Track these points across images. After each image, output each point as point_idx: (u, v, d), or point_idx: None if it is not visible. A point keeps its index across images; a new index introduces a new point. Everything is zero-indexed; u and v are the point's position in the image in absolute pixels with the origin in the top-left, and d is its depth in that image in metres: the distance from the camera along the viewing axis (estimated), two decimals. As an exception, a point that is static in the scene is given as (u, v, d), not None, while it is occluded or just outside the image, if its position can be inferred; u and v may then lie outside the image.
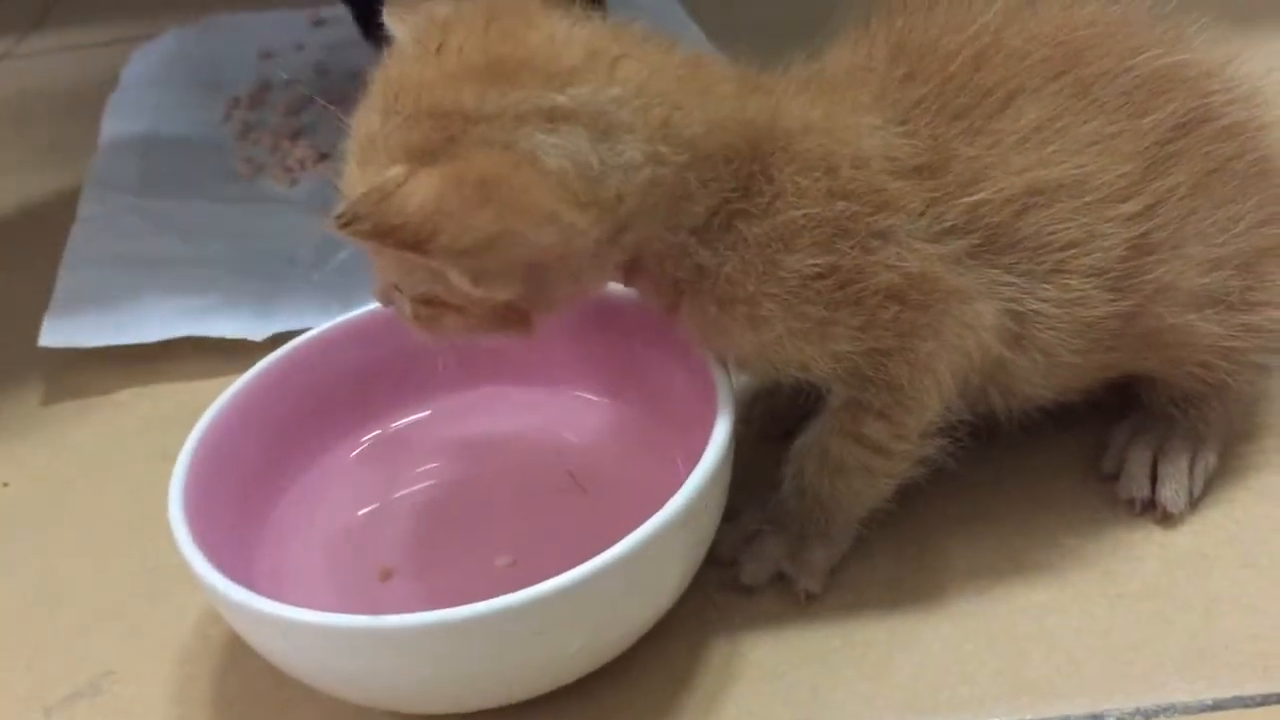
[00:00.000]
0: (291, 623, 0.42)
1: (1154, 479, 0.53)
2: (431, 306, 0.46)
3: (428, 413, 0.58)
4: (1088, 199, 0.46)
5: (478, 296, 0.43)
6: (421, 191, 0.40)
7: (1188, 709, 0.45)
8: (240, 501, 0.51)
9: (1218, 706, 0.45)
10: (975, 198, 0.46)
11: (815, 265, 0.45)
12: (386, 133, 0.43)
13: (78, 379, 0.69)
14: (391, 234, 0.40)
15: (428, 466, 0.56)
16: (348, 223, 0.39)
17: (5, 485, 0.63)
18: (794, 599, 0.50)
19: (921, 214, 0.46)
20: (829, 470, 0.49)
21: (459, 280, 0.42)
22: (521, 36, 0.43)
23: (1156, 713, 0.45)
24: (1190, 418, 0.54)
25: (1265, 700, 0.45)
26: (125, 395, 0.68)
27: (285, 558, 0.52)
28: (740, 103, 0.46)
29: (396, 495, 0.55)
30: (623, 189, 0.43)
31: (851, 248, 0.45)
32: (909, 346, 0.46)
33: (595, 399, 0.56)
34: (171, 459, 0.49)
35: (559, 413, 0.57)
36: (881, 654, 0.48)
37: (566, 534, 0.52)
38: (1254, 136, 0.51)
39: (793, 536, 0.51)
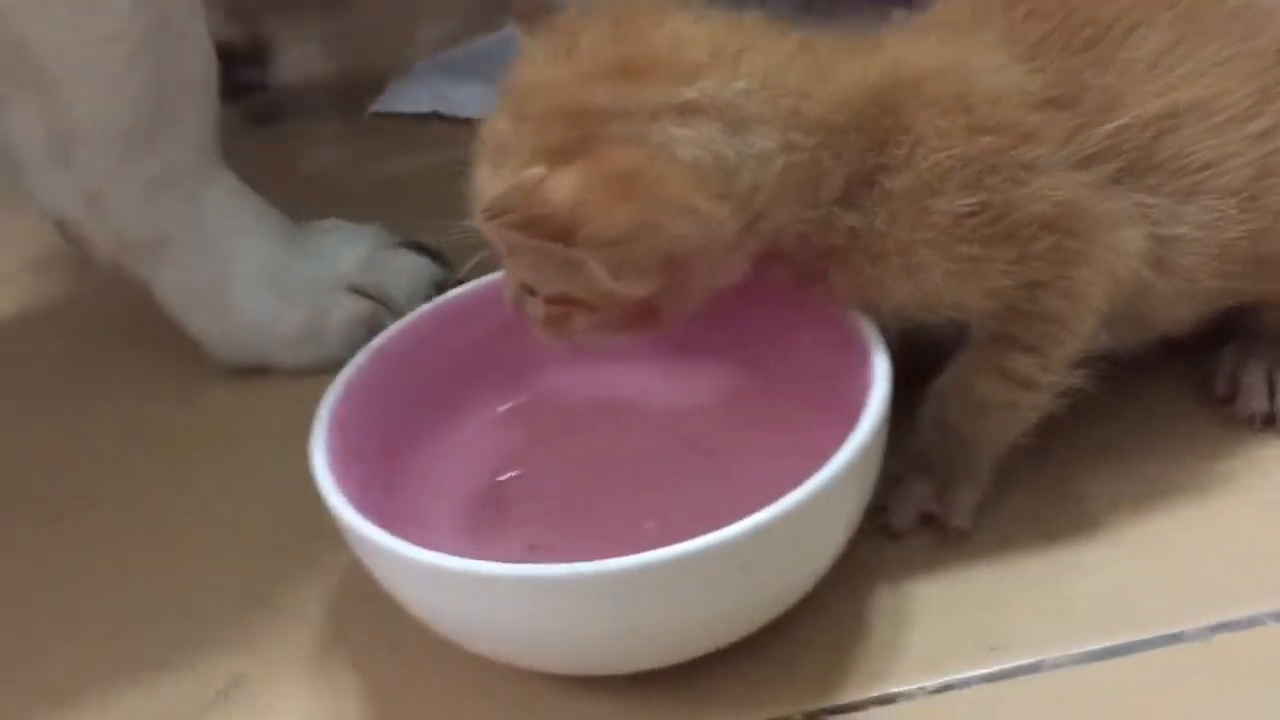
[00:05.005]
0: (462, 573, 0.41)
1: (1271, 393, 0.53)
2: (563, 305, 0.46)
3: (569, 378, 0.56)
4: (1217, 119, 0.48)
5: (615, 292, 0.44)
6: (565, 186, 0.42)
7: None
8: (379, 459, 0.50)
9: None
10: (1115, 124, 0.47)
11: (967, 204, 0.45)
12: (519, 136, 0.44)
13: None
14: (538, 225, 0.41)
15: (567, 431, 0.55)
16: (496, 214, 0.41)
17: None
18: (945, 539, 0.50)
19: (1065, 144, 0.46)
20: (973, 408, 0.49)
21: (600, 273, 0.43)
22: (649, 36, 0.45)
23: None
24: None
25: None
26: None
27: (429, 522, 0.50)
28: (862, 72, 0.46)
29: (536, 460, 0.54)
30: (758, 179, 0.44)
31: (1001, 182, 0.45)
32: (1065, 275, 0.46)
33: (728, 363, 0.55)
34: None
35: (693, 379, 0.56)
36: (1050, 583, 0.48)
37: (705, 498, 0.50)
38: None
39: (937, 477, 0.50)
